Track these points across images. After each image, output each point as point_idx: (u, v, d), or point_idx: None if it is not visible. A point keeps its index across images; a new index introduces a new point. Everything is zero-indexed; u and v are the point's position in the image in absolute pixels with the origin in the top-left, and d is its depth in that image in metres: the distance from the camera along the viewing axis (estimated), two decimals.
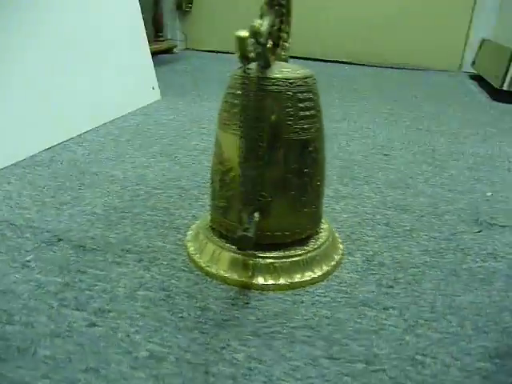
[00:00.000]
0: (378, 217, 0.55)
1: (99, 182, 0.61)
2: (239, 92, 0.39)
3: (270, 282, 0.41)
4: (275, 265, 0.41)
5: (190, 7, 1.80)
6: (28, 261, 0.43)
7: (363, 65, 1.74)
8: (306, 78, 0.40)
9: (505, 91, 1.23)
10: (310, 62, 1.70)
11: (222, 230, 0.44)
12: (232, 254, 0.43)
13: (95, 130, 0.83)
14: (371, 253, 0.47)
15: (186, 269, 0.43)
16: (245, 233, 0.36)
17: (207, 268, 0.42)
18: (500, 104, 1.22)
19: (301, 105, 0.39)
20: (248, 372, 0.32)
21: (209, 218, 0.47)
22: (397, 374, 0.32)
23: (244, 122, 0.38)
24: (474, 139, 0.89)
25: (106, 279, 0.41)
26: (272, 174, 0.40)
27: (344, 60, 1.77)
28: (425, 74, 1.65)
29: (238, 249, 0.38)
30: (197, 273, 0.43)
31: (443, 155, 0.79)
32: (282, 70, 0.39)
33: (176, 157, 0.72)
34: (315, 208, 0.43)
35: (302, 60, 1.90)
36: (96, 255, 0.45)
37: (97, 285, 0.40)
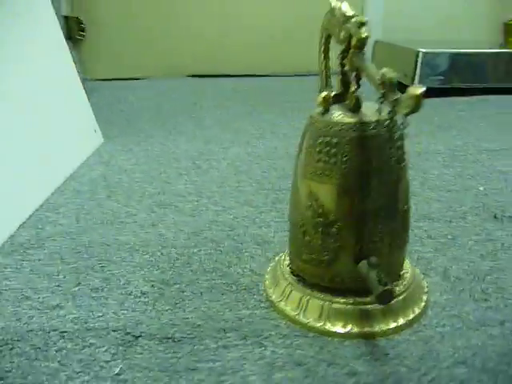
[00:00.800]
0: (416, 231, 0.57)
1: (116, 253, 0.54)
2: (336, 140, 0.37)
3: (392, 325, 0.40)
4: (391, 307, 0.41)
5: (83, 35, 1.67)
6: (118, 374, 0.36)
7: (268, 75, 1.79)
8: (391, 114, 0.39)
9: None
10: (219, 78, 1.69)
11: (323, 283, 0.41)
12: (339, 305, 0.41)
13: (59, 190, 0.72)
14: (442, 269, 0.49)
15: (298, 333, 0.40)
16: (386, 287, 0.35)
17: (317, 325, 0.40)
18: None
19: (398, 144, 0.39)
20: None
21: (281, 271, 0.45)
22: None
23: (349, 171, 0.37)
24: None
25: (227, 371, 0.36)
26: (379, 219, 0.39)
27: (253, 73, 1.81)
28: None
29: (381, 303, 0.36)
30: (311, 334, 0.40)
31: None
32: (374, 112, 0.38)
33: (176, 206, 0.66)
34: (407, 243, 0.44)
35: (206, 78, 1.89)
36: (193, 344, 0.39)
37: (223, 381, 0.35)
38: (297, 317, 0.41)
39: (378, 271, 0.36)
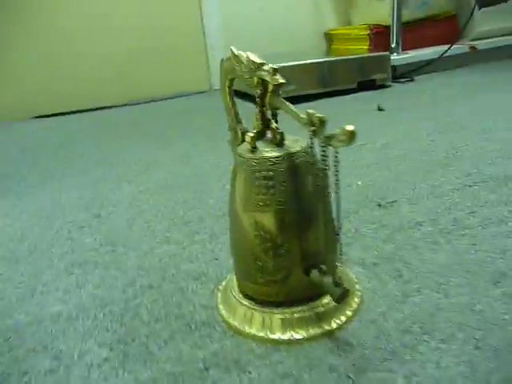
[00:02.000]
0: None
1: (54, 327, 0.50)
2: (271, 174, 0.42)
3: (343, 318, 0.46)
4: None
5: None
6: None
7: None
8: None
9: None
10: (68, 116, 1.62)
11: (279, 299, 0.46)
12: (298, 315, 0.46)
13: None
14: (359, 259, 0.58)
15: (271, 349, 0.44)
16: (343, 288, 0.41)
17: (285, 338, 0.45)
18: None
19: (319, 166, 0.45)
20: None
21: (235, 298, 0.49)
22: None
23: (286, 197, 0.43)
24: None
25: None
26: (318, 232, 0.45)
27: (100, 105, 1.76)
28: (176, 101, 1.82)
29: (339, 302, 0.42)
30: (283, 347, 0.44)
31: None
32: (294, 143, 0.44)
33: (94, 261, 0.64)
34: None
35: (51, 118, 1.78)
36: None
37: None
38: (265, 336, 0.45)
39: (331, 276, 0.43)
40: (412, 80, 1.76)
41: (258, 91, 0.43)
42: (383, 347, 0.43)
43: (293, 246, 0.44)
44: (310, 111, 0.38)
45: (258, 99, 0.44)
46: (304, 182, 0.44)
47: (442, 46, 1.85)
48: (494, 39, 1.92)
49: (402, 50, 1.84)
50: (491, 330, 0.43)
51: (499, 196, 0.70)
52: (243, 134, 0.50)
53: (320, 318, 0.46)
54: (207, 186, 0.89)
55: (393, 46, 1.81)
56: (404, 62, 1.80)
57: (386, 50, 1.75)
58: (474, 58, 1.91)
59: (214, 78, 1.94)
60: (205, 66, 1.92)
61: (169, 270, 0.60)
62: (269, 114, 0.45)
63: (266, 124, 0.45)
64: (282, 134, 0.44)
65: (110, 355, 0.45)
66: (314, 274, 0.44)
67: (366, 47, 1.86)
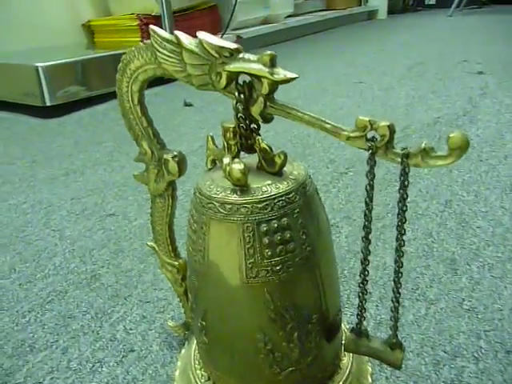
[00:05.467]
0: None
1: None
2: (285, 221, 0.27)
3: None
4: None
5: None
6: None
7: None
8: None
9: (49, 106, 1.19)
10: None
11: None
12: None
13: None
14: None
15: None
16: (402, 347, 0.30)
17: None
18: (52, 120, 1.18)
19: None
20: None
21: None
22: None
23: (312, 248, 0.28)
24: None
25: None
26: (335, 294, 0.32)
27: None
28: None
29: (400, 368, 0.31)
30: None
31: None
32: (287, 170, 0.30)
33: None
34: None
35: None
36: None
37: None
38: None
39: (373, 337, 0.31)
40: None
41: (237, 96, 0.27)
42: None
43: (320, 313, 0.30)
44: (365, 118, 0.24)
45: (239, 107, 0.27)
46: (319, 219, 0.30)
47: None
48: (255, 28, 2.04)
49: None
50: None
51: None
52: (179, 163, 0.32)
53: None
54: None
55: None
56: None
57: None
58: (244, 46, 1.98)
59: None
60: None
61: None
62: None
63: (247, 144, 0.29)
64: (285, 155, 0.28)
65: None
66: (350, 340, 0.31)
67: (137, 39, 1.69)
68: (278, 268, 0.28)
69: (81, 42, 1.81)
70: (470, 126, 0.91)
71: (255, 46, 2.02)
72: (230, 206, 0.27)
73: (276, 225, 0.27)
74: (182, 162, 0.33)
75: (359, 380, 0.35)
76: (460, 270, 0.49)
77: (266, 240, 0.27)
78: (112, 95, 1.34)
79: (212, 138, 0.31)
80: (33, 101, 1.20)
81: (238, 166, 0.27)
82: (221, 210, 0.28)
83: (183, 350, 0.40)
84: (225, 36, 1.88)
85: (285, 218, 0.28)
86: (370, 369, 0.37)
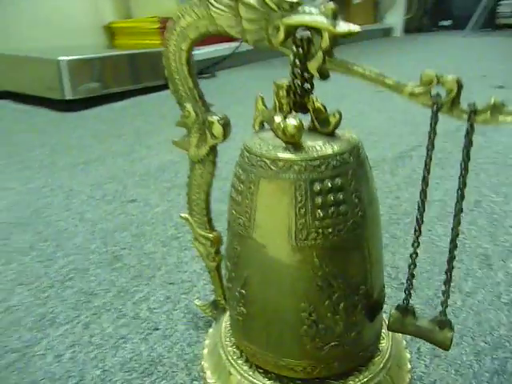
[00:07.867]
0: None
1: None
2: (339, 182, 0.26)
3: None
4: None
5: None
6: None
7: None
8: None
9: (68, 100, 1.19)
10: None
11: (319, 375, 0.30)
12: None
13: None
14: None
15: None
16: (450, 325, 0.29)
17: None
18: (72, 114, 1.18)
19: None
20: None
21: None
22: None
23: (363, 214, 0.27)
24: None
25: None
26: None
27: None
28: None
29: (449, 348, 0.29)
30: None
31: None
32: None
33: None
34: None
35: None
36: None
37: None
38: None
39: (420, 314, 0.29)
40: (214, 75, 1.71)
41: (295, 50, 0.26)
42: None
43: (367, 286, 0.29)
44: (431, 71, 0.23)
45: (296, 62, 0.26)
46: (370, 187, 0.29)
47: (228, 43, 1.87)
48: None
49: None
50: None
51: None
52: (224, 126, 0.31)
53: None
54: None
55: None
56: (201, 58, 1.72)
57: None
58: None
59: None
60: None
61: None
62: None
63: (300, 103, 0.28)
64: (340, 114, 0.27)
65: None
66: (396, 318, 0.30)
67: (158, 41, 1.70)
68: (329, 231, 0.26)
69: (101, 44, 1.83)
70: (493, 134, 0.90)
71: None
72: (282, 164, 0.26)
73: (330, 184, 0.26)
74: (227, 124, 0.32)
75: (399, 364, 0.34)
76: (495, 266, 0.47)
77: (318, 200, 0.26)
78: (130, 93, 1.35)
79: (262, 98, 0.30)
80: (53, 94, 1.20)
81: (293, 122, 0.26)
82: (272, 168, 0.27)
83: (211, 329, 0.38)
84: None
85: (338, 179, 0.26)
86: (408, 355, 0.35)
